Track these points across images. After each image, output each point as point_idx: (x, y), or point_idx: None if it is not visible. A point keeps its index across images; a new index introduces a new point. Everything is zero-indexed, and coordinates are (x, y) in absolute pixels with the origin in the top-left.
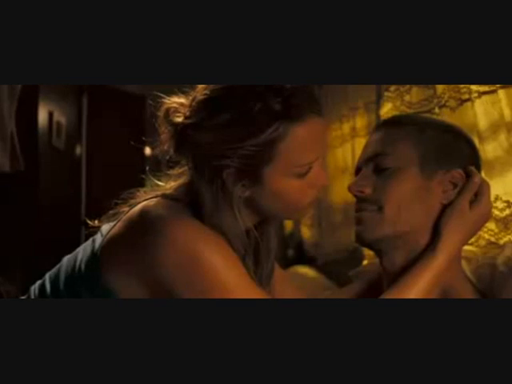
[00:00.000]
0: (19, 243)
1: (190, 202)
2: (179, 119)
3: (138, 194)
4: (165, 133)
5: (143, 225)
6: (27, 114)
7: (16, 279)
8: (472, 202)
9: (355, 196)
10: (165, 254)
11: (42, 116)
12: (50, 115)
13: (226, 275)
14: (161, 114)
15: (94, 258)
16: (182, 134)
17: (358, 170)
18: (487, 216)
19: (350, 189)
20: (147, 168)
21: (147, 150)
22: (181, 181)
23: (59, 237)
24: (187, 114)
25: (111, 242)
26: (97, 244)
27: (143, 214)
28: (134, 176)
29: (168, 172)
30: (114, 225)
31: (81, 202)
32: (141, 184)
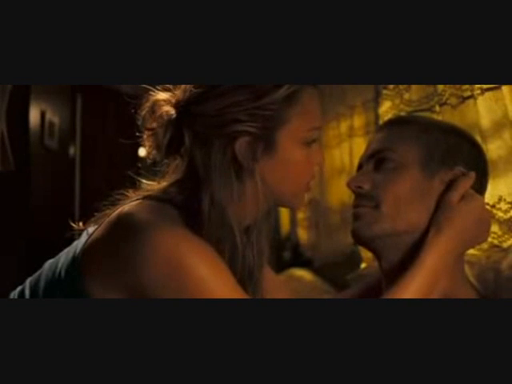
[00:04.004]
0: (10, 245)
1: (179, 203)
2: (171, 109)
3: (127, 194)
4: (154, 128)
5: (125, 229)
6: (19, 114)
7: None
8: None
9: (354, 192)
10: (147, 262)
11: (34, 115)
12: (43, 114)
13: (213, 284)
14: (148, 107)
15: (74, 263)
16: (181, 116)
17: (359, 168)
18: (478, 211)
19: (348, 184)
20: (137, 168)
21: (141, 150)
22: (171, 180)
23: (52, 238)
24: (182, 97)
25: (92, 247)
26: (78, 249)
27: (126, 218)
28: (129, 176)
29: (159, 171)
30: (97, 228)
31: (74, 203)
32: (135, 184)
